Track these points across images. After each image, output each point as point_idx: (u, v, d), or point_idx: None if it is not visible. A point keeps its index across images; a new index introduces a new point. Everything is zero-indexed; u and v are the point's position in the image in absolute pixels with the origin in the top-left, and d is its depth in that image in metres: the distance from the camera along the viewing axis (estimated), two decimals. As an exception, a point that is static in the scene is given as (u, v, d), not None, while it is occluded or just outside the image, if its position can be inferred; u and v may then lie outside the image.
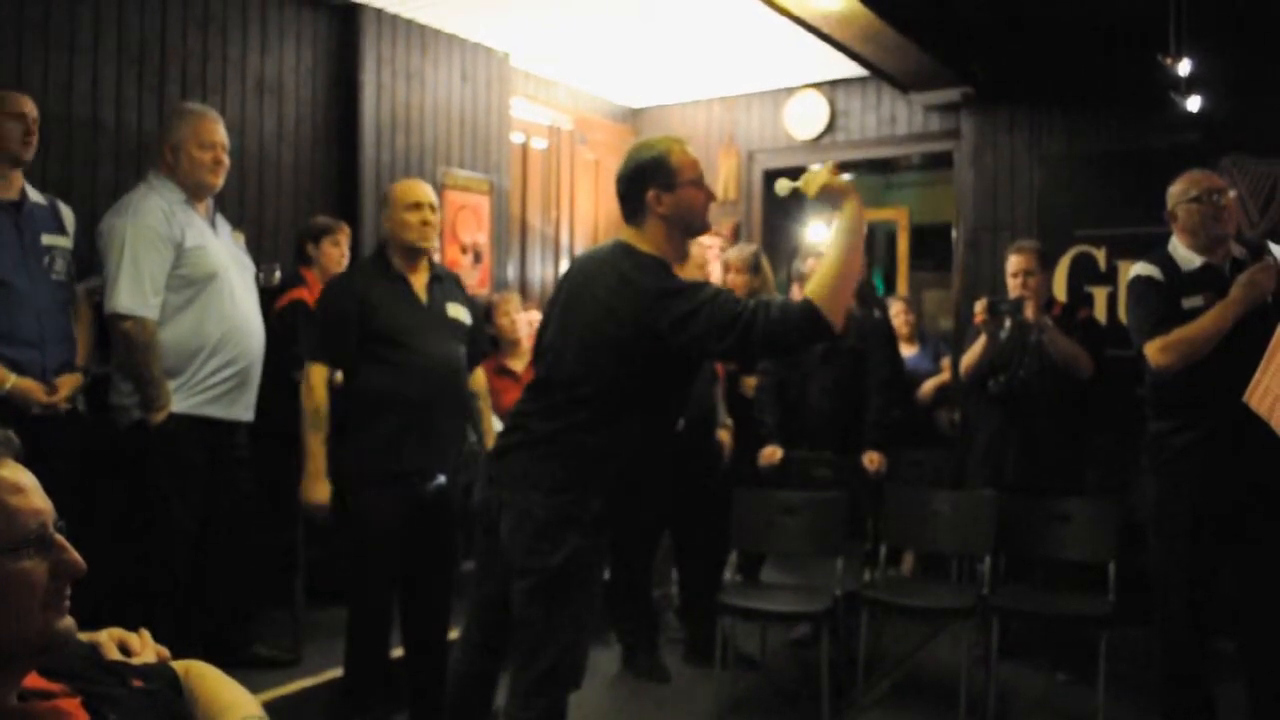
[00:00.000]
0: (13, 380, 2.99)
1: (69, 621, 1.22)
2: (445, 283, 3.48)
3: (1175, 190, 3.37)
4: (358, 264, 3.53)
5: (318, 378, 3.27)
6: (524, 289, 6.09)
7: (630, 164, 2.67)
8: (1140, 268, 3.37)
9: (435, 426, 3.30)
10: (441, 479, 3.33)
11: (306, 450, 3.25)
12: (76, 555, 1.22)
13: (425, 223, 3.34)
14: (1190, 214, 3.30)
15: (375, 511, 3.24)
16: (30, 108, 3.13)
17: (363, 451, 3.26)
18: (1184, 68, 4.15)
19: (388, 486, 3.24)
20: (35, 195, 3.22)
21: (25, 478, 1.21)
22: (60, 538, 1.21)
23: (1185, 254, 3.34)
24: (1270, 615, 3.22)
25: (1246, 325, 3.10)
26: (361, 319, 3.24)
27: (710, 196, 2.72)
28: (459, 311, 3.47)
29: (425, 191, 3.38)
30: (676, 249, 2.72)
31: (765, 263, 5.10)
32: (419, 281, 3.38)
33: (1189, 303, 3.22)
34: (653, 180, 2.62)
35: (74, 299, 3.29)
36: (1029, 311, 4.19)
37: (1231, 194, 3.38)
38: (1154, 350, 3.20)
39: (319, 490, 3.25)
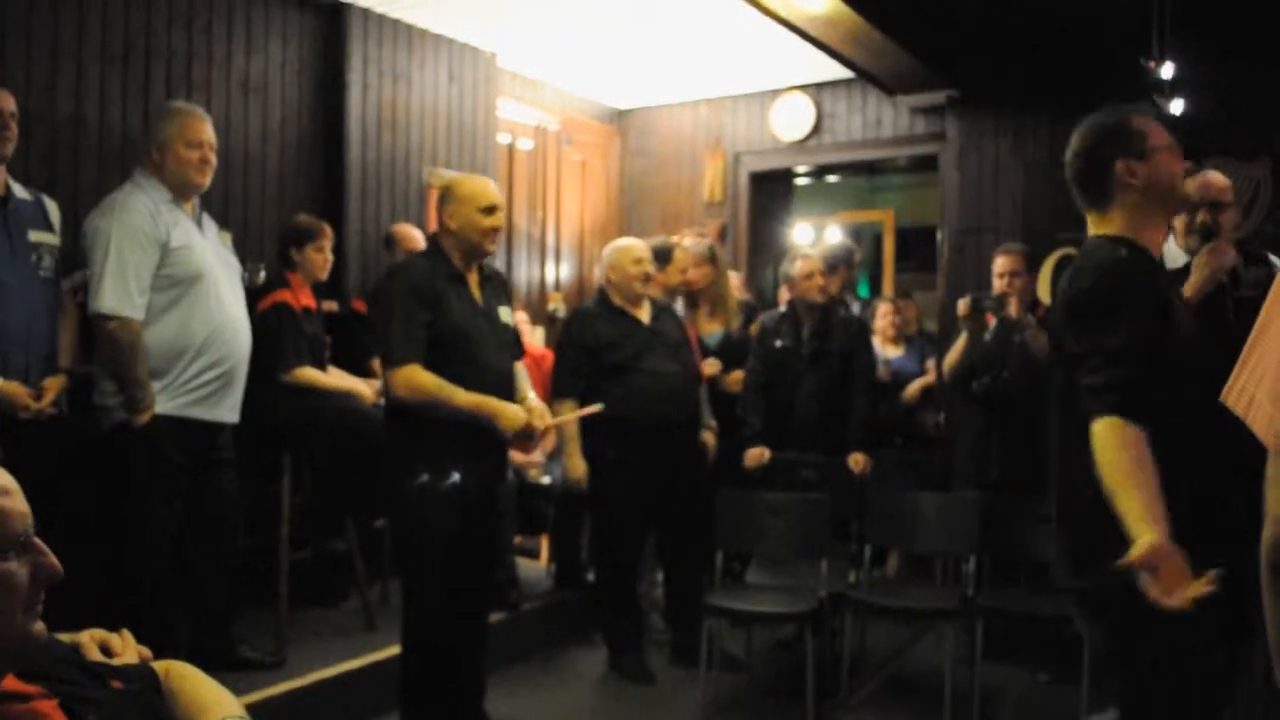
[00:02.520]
0: None
1: (42, 627, 1.22)
2: (494, 283, 3.41)
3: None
4: (416, 259, 3.33)
5: (420, 377, 3.10)
6: (509, 290, 6.08)
7: (1088, 135, 2.33)
8: None
9: (494, 437, 3.26)
10: (456, 476, 3.31)
11: (467, 409, 3.11)
12: (55, 560, 1.22)
13: (497, 228, 3.27)
14: (1182, 216, 3.31)
15: (437, 518, 3.15)
16: (9, 102, 3.09)
17: (424, 457, 3.16)
18: (1167, 71, 4.18)
19: (452, 494, 3.17)
20: (21, 191, 3.18)
21: (9, 480, 1.20)
22: (39, 542, 1.21)
23: (1173, 251, 3.35)
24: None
25: (1228, 324, 3.12)
26: (433, 318, 3.15)
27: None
28: (509, 316, 3.45)
29: (499, 194, 3.32)
30: (1157, 230, 2.31)
31: (719, 252, 5.11)
32: (473, 281, 3.33)
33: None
34: (1121, 149, 2.25)
35: (60, 297, 3.27)
36: (1012, 309, 4.21)
37: (1218, 194, 3.39)
38: None
39: (511, 417, 3.17)
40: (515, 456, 4.36)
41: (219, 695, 1.41)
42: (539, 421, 3.27)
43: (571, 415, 3.62)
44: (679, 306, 4.92)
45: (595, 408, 3.62)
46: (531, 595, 4.66)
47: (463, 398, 3.10)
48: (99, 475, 3.41)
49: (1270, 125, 4.78)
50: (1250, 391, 1.00)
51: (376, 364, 4.47)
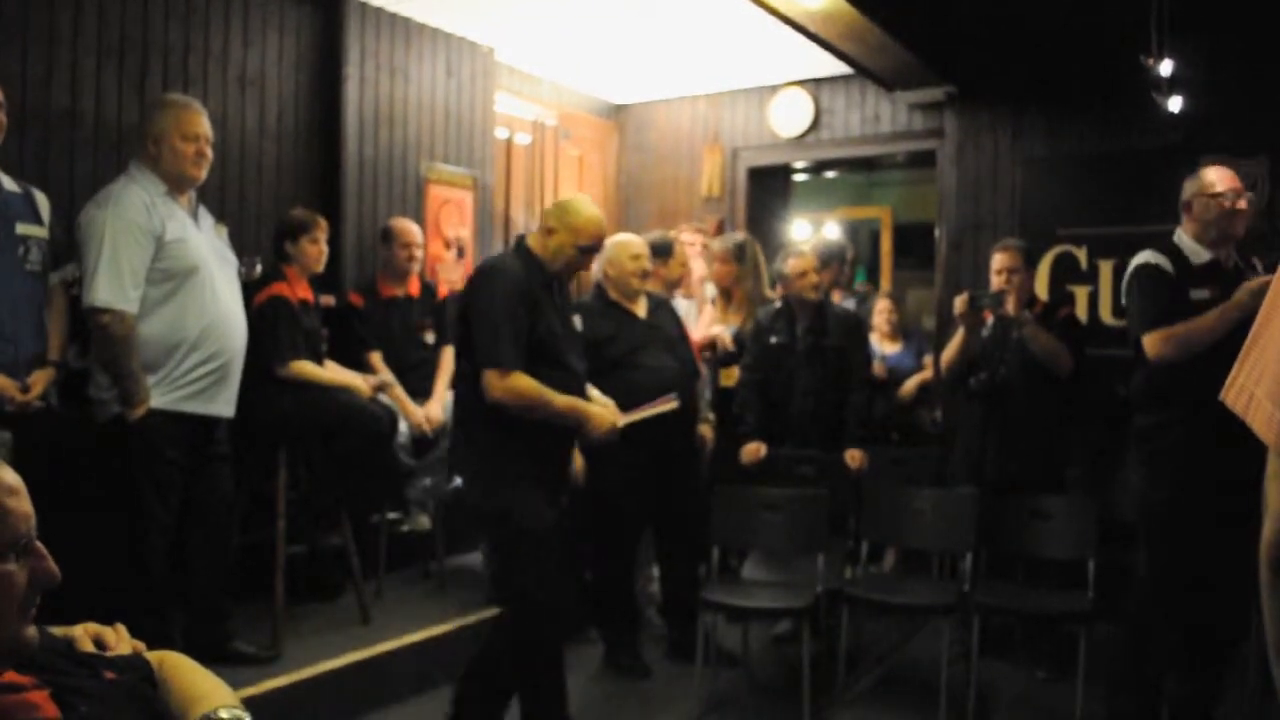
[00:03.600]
0: None
1: (34, 631, 1.22)
2: (560, 287, 3.37)
3: (1192, 183, 3.39)
4: (509, 261, 3.23)
5: (523, 383, 3.04)
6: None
7: None
8: (1149, 255, 3.37)
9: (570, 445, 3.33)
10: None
11: (563, 412, 3.11)
12: (53, 565, 1.22)
13: (586, 269, 3.40)
14: (1208, 208, 3.32)
15: (541, 521, 3.12)
16: None
17: (526, 460, 3.14)
18: (1165, 68, 4.17)
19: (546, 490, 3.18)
20: (10, 184, 3.17)
21: (16, 479, 1.20)
22: (40, 545, 1.21)
23: (1193, 246, 3.35)
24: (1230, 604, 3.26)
25: (1244, 325, 3.13)
26: (533, 322, 3.12)
27: None
28: (578, 323, 3.47)
29: (606, 229, 3.40)
30: None
31: (756, 252, 5.12)
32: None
33: (1196, 294, 3.23)
34: None
35: (48, 290, 3.25)
36: (1009, 305, 4.21)
37: (1250, 196, 3.40)
38: (1154, 340, 3.20)
39: (601, 418, 3.18)
40: None
41: (213, 685, 1.40)
42: (619, 419, 3.28)
43: (649, 412, 3.55)
44: (710, 292, 4.94)
45: (670, 404, 3.54)
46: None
47: (560, 401, 3.09)
48: (94, 469, 3.41)
49: (1268, 123, 4.77)
50: (1249, 390, 1.00)
51: (373, 358, 4.48)
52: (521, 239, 3.30)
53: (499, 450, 3.12)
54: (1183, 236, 3.40)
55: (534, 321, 3.10)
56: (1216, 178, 3.36)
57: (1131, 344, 3.37)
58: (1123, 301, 3.54)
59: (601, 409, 3.23)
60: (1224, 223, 3.31)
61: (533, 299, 3.11)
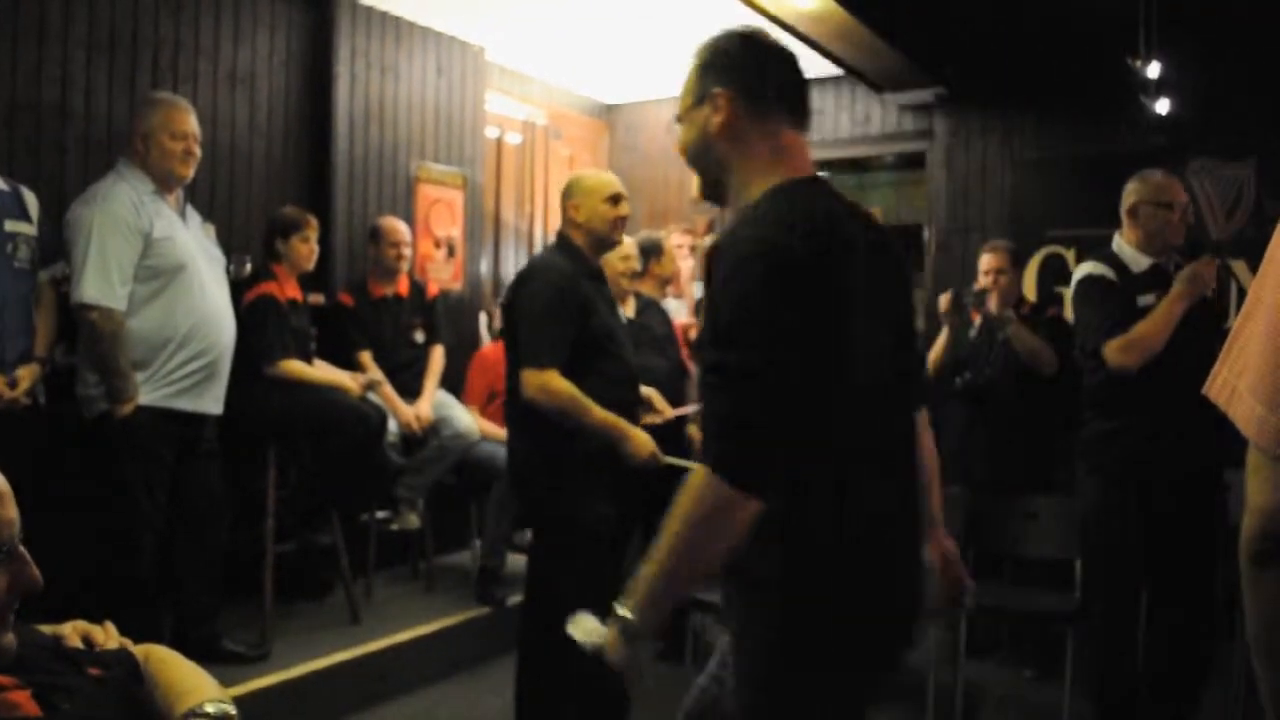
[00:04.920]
0: None
1: (12, 639, 1.21)
2: (606, 284, 3.33)
3: (1140, 189, 3.34)
4: (554, 258, 3.14)
5: (557, 383, 2.95)
6: (496, 284, 6.08)
7: None
8: (1091, 267, 3.36)
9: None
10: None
11: (598, 427, 2.97)
12: (35, 571, 1.21)
13: (624, 217, 3.20)
14: (1154, 218, 3.30)
15: (599, 524, 3.07)
16: None
17: (580, 459, 3.04)
18: (1153, 70, 4.20)
19: (606, 495, 3.10)
20: None
21: (4, 484, 1.20)
22: (23, 550, 1.20)
23: (1133, 254, 3.34)
24: (1192, 605, 3.29)
25: (1186, 322, 3.15)
26: (581, 321, 3.03)
27: None
28: (621, 314, 3.41)
29: (622, 185, 3.24)
30: None
31: None
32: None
33: (1144, 300, 3.24)
34: None
35: (36, 287, 3.25)
36: (992, 304, 4.23)
37: (1190, 209, 3.41)
38: (1115, 350, 3.20)
39: (643, 442, 3.05)
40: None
41: (199, 680, 1.40)
42: (660, 413, 3.22)
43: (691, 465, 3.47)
44: (699, 291, 4.95)
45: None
46: (519, 590, 4.65)
47: (597, 413, 2.97)
48: (81, 466, 3.40)
49: (1255, 126, 4.81)
50: (1232, 384, 1.01)
51: (363, 357, 4.48)
52: (561, 234, 3.24)
53: (560, 454, 3.03)
54: (1123, 245, 3.36)
55: (587, 318, 3.03)
56: (1161, 188, 3.31)
57: (1085, 354, 3.34)
58: (1067, 311, 3.55)
59: (643, 435, 3.07)
60: (1170, 234, 3.30)
61: (583, 294, 3.04)
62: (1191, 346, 3.03)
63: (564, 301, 3.00)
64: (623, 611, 1.66)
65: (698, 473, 1.52)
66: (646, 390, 3.33)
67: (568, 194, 3.21)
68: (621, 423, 3.03)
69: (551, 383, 2.95)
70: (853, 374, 1.53)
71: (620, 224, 3.20)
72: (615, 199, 3.17)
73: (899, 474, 1.71)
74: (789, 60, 1.74)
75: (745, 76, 1.73)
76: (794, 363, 1.46)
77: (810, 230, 1.52)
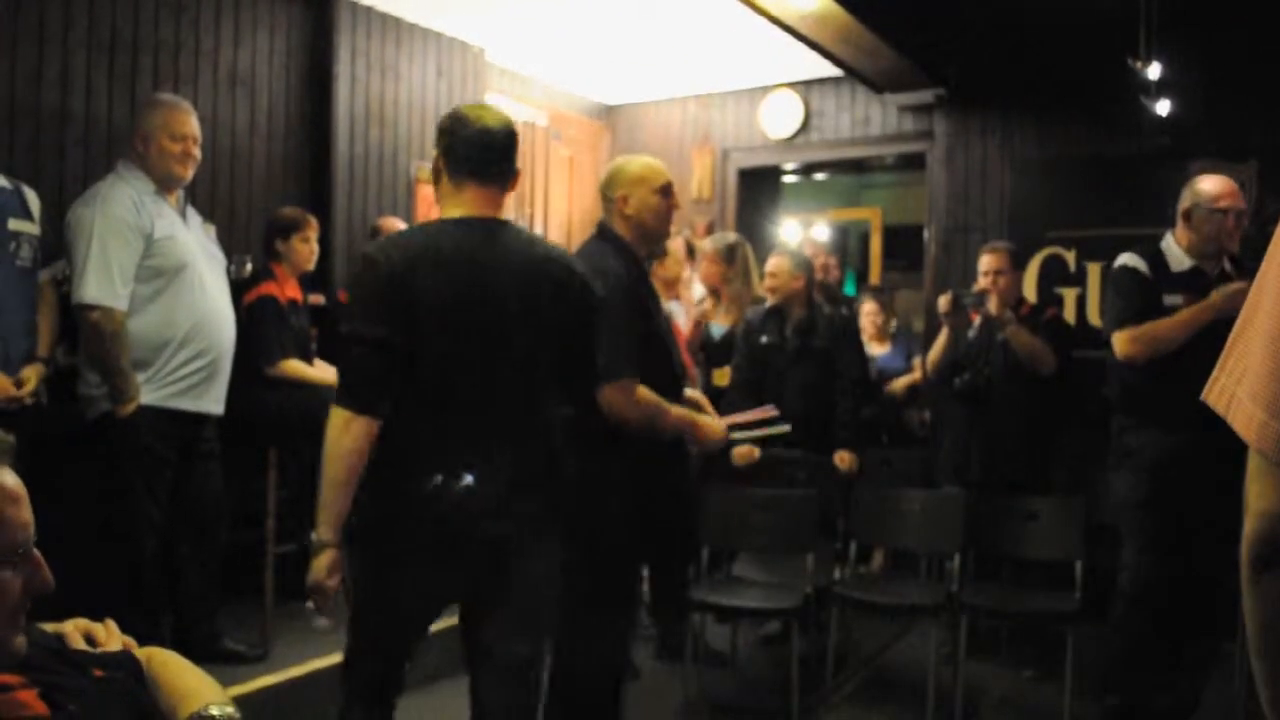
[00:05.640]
0: None
1: (23, 641, 1.21)
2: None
3: (1200, 191, 3.33)
4: (603, 255, 2.84)
5: (642, 393, 2.75)
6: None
7: None
8: (1128, 258, 3.38)
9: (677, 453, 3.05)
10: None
11: (677, 424, 2.85)
12: (48, 573, 1.22)
13: (676, 209, 2.98)
14: (1209, 220, 3.30)
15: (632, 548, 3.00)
16: None
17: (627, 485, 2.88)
18: (1154, 71, 4.20)
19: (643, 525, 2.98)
20: (0, 179, 3.17)
21: (19, 486, 1.20)
22: (37, 553, 1.21)
23: (1179, 254, 3.35)
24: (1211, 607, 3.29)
25: (1221, 328, 3.15)
26: (646, 326, 2.85)
27: None
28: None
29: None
30: None
31: (747, 253, 5.13)
32: None
33: (1170, 299, 3.24)
34: None
35: (38, 287, 3.25)
36: (991, 305, 4.23)
37: (1247, 214, 3.41)
38: (1122, 339, 3.21)
39: (711, 428, 2.95)
40: None
41: (201, 682, 1.40)
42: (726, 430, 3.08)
43: (752, 418, 3.28)
44: (698, 292, 4.96)
45: (776, 423, 3.28)
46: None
47: (675, 411, 2.84)
48: (83, 466, 3.40)
49: (1256, 127, 4.81)
50: (1230, 390, 1.01)
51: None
52: (606, 227, 2.96)
53: (602, 472, 2.79)
54: (1171, 244, 3.39)
55: (646, 321, 2.84)
56: (1222, 191, 3.31)
57: (1106, 345, 3.39)
58: (1092, 319, 3.57)
59: (712, 420, 2.99)
60: (1224, 238, 3.30)
61: (640, 296, 2.85)
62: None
63: (632, 307, 2.78)
64: (314, 535, 2.25)
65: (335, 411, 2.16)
66: (692, 393, 3.21)
67: (613, 184, 2.95)
68: (690, 414, 2.93)
69: (644, 395, 2.75)
70: (430, 345, 2.16)
71: (672, 218, 2.98)
72: (667, 190, 2.92)
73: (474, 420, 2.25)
74: (479, 134, 2.34)
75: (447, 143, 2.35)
76: (378, 334, 2.15)
77: (404, 249, 2.21)
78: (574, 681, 2.81)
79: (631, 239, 2.91)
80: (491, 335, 2.24)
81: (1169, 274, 3.30)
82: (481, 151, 2.33)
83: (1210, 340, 3.07)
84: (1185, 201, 3.38)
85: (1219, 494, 3.17)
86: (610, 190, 2.96)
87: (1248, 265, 3.44)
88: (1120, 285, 3.35)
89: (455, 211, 2.31)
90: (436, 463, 2.20)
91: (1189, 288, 3.26)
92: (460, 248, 2.24)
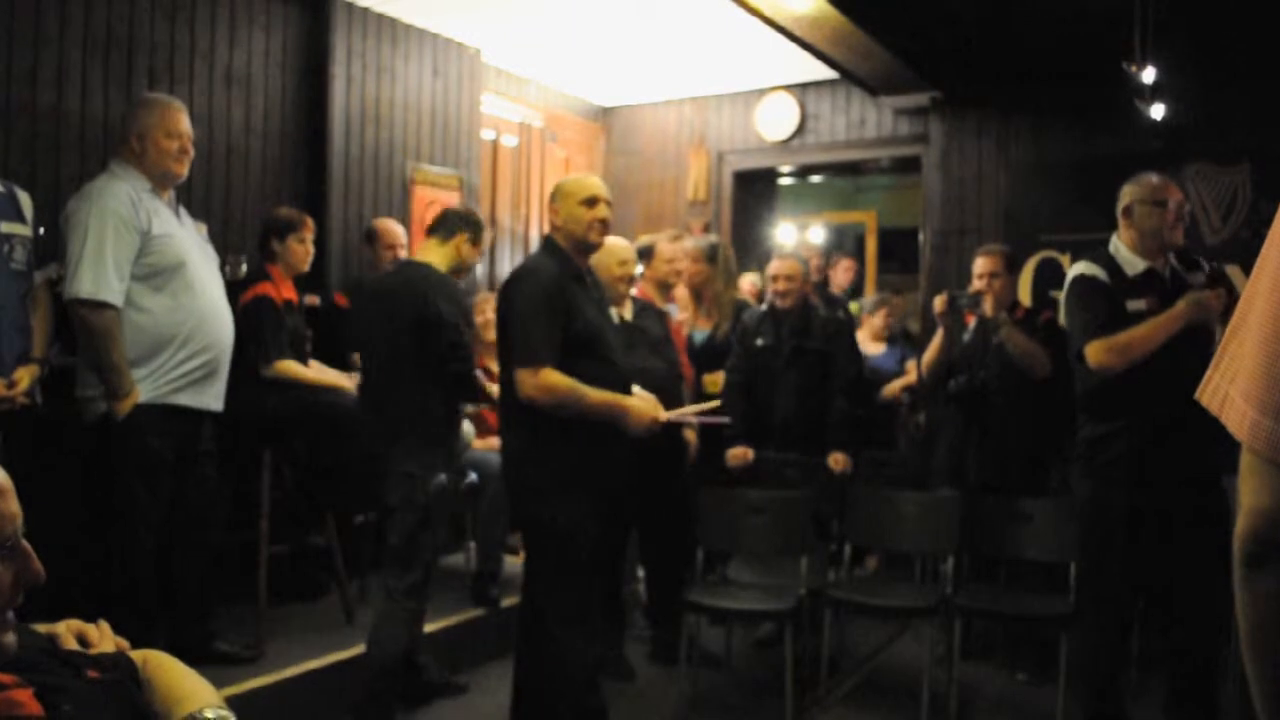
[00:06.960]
0: None
1: (13, 639, 1.21)
2: (594, 280, 3.39)
3: (1135, 190, 3.35)
4: (541, 260, 3.26)
5: (553, 378, 3.03)
6: (492, 286, 6.08)
7: None
8: (1084, 267, 3.37)
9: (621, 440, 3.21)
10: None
11: (598, 408, 3.08)
12: (39, 565, 1.21)
13: (601, 220, 3.24)
14: (1149, 216, 3.30)
15: (584, 521, 3.12)
16: None
17: (566, 462, 3.12)
18: (1149, 75, 4.20)
19: (592, 498, 3.16)
20: None
21: (6, 480, 1.20)
22: (26, 545, 1.20)
23: (1128, 256, 3.35)
24: (1198, 612, 3.29)
25: (1182, 334, 3.16)
26: (567, 321, 3.10)
27: None
28: (615, 316, 3.47)
29: (604, 189, 3.29)
30: None
31: (729, 256, 5.12)
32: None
33: (1133, 305, 3.24)
34: None
35: (32, 289, 3.24)
36: (986, 307, 4.24)
37: (1186, 208, 3.42)
38: (1097, 351, 3.21)
39: (640, 410, 3.15)
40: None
41: (197, 685, 1.40)
42: (661, 413, 3.25)
43: (693, 411, 3.72)
44: (682, 295, 4.96)
45: (718, 416, 3.70)
46: (515, 591, 4.65)
47: (594, 396, 3.07)
48: (79, 467, 3.39)
49: (1249, 130, 4.82)
50: (1224, 389, 1.01)
51: (357, 358, 4.47)
52: (547, 237, 3.32)
53: (545, 457, 3.12)
54: (1119, 247, 3.37)
55: (570, 317, 3.09)
56: (1155, 186, 3.32)
57: (1072, 356, 3.37)
58: (1060, 315, 3.57)
59: (640, 402, 3.20)
60: (1166, 233, 3.30)
61: (567, 294, 3.11)
62: (1187, 351, 3.05)
63: (551, 301, 3.08)
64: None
65: None
66: (640, 393, 3.34)
67: (551, 198, 3.32)
68: (618, 397, 3.14)
69: (548, 379, 3.03)
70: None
71: (597, 226, 3.24)
72: (591, 201, 3.22)
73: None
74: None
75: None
76: None
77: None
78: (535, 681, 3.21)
79: (566, 246, 3.24)
80: None
81: (1126, 279, 3.30)
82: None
83: (1175, 343, 3.11)
84: (1124, 199, 3.37)
85: (1174, 492, 3.22)
86: (550, 207, 3.33)
87: (1199, 261, 3.44)
88: (1082, 296, 3.33)
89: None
90: None
91: (1148, 290, 3.26)
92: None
